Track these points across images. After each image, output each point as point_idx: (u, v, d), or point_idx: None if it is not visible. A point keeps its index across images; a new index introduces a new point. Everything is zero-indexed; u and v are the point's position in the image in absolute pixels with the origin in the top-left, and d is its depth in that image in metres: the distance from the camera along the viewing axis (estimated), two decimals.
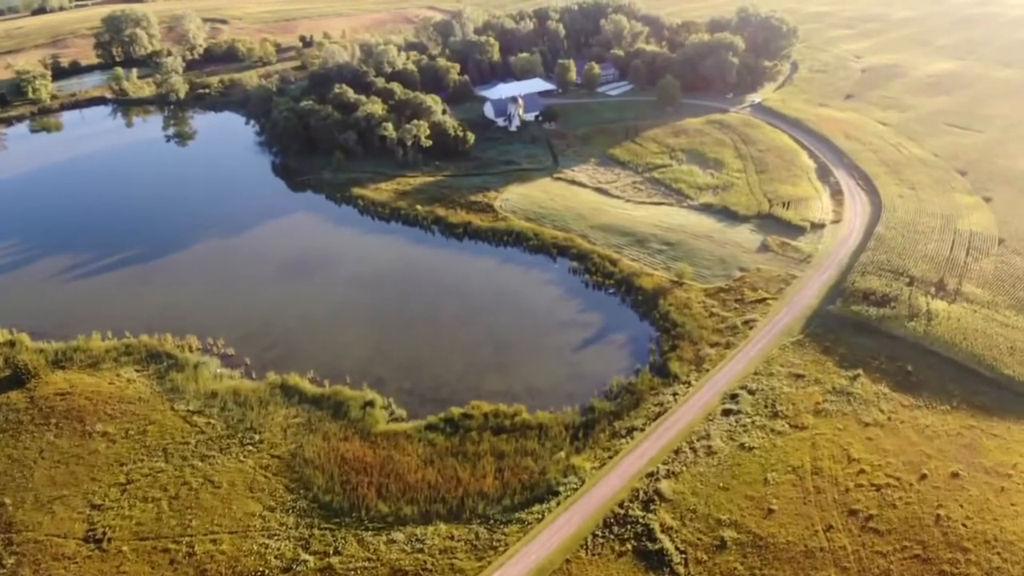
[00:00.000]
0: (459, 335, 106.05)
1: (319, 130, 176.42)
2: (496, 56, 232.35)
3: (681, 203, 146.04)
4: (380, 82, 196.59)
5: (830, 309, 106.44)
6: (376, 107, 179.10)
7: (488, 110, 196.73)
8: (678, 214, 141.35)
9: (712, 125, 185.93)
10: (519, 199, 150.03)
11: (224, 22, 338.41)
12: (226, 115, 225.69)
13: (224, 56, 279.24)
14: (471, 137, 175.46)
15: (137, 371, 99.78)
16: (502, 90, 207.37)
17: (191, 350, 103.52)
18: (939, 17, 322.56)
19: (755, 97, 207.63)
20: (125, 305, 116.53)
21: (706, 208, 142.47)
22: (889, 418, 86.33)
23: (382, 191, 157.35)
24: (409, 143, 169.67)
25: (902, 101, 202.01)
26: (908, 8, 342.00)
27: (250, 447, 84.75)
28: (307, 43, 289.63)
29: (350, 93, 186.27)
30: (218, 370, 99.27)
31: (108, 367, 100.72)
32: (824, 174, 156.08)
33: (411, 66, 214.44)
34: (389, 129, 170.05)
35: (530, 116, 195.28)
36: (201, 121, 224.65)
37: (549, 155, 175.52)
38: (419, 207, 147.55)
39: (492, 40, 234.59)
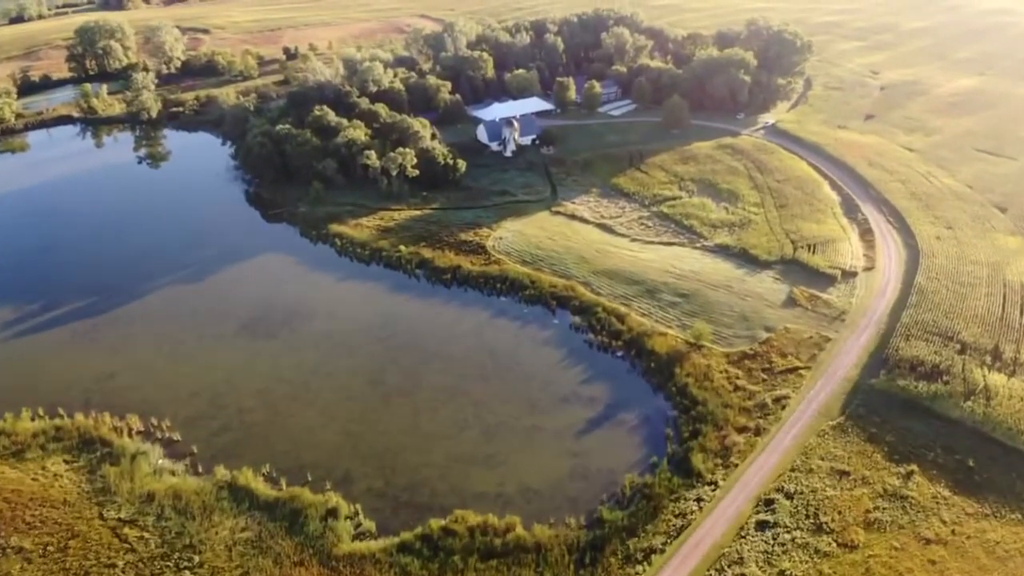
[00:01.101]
0: (442, 414, 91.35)
1: (296, 157, 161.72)
2: (490, 72, 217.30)
3: (694, 243, 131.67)
4: (364, 103, 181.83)
5: (872, 383, 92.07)
6: (358, 132, 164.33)
7: (481, 133, 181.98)
8: (691, 257, 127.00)
9: (723, 150, 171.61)
10: (514, 238, 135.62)
11: (206, 31, 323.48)
12: (201, 135, 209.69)
13: (203, 70, 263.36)
14: (462, 165, 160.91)
15: (66, 462, 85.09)
16: (496, 110, 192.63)
17: (131, 435, 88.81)
18: (952, 27, 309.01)
19: (768, 118, 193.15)
20: (62, 373, 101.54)
21: (722, 250, 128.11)
22: (953, 531, 72.30)
23: (363, 228, 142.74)
24: (394, 173, 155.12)
25: (926, 123, 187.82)
26: (919, 18, 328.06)
27: (187, 573, 70.15)
28: (291, 55, 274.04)
29: (331, 116, 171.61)
30: (159, 462, 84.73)
31: (34, 456, 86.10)
32: (850, 209, 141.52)
33: (398, 84, 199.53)
34: (372, 158, 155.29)
35: (526, 139, 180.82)
36: (173, 142, 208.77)
37: (547, 184, 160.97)
38: (403, 247, 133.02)
39: (486, 55, 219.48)
